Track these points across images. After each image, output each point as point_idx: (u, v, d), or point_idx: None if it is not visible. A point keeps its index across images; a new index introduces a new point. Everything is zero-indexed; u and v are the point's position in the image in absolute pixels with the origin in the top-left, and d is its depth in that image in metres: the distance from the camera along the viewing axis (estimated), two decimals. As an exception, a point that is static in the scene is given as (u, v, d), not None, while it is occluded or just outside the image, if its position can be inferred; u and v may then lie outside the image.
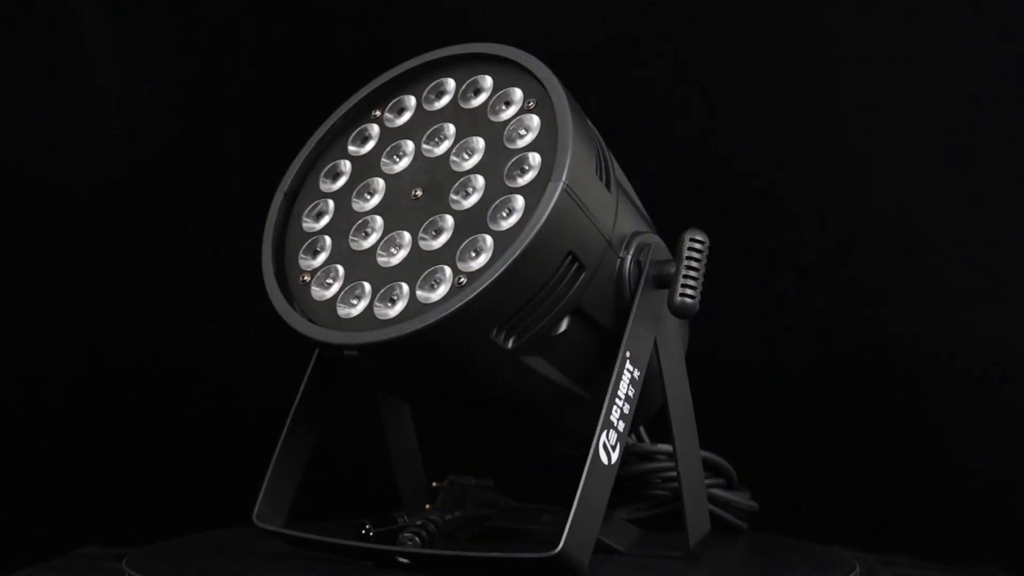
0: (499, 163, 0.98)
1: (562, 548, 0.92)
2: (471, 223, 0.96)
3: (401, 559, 0.97)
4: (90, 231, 1.48)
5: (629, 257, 1.00)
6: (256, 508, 1.03)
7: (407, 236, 0.98)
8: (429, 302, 0.95)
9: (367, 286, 0.98)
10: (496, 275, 0.92)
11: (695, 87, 1.47)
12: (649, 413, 1.10)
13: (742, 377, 1.46)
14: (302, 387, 1.05)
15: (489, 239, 0.95)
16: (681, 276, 0.99)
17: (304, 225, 1.03)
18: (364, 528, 1.04)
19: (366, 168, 1.03)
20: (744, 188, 1.46)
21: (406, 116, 1.04)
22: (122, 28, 1.48)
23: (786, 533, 1.21)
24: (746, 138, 1.47)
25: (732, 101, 1.47)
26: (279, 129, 1.49)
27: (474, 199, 0.98)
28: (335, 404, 1.07)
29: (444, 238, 0.97)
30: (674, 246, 1.00)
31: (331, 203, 1.03)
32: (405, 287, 0.96)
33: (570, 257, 0.95)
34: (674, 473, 1.08)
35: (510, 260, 0.92)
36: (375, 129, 1.05)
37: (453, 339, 0.94)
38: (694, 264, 0.99)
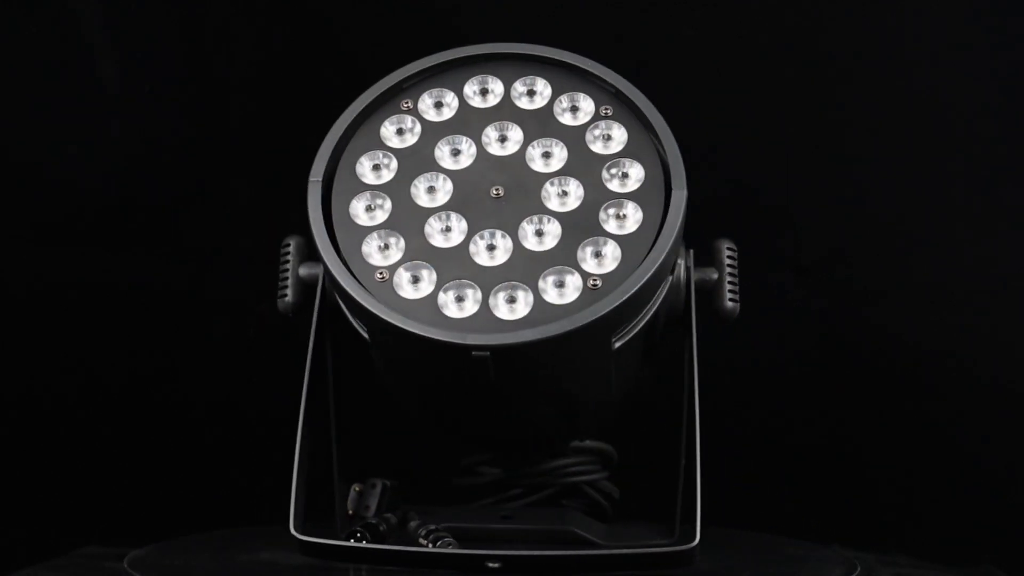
0: (591, 167, 0.99)
1: (700, 539, 0.95)
2: (579, 226, 0.97)
3: (491, 564, 0.95)
4: (90, 231, 1.48)
5: (681, 264, 1.04)
6: (291, 520, 0.99)
7: (503, 235, 0.98)
8: (561, 304, 0.95)
9: (472, 286, 0.97)
10: (644, 279, 0.94)
11: (695, 87, 1.47)
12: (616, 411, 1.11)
13: (742, 377, 1.46)
14: (305, 389, 1.04)
15: (611, 243, 0.97)
16: (726, 282, 1.06)
17: (357, 220, 1.00)
18: (356, 535, 1.00)
19: (419, 162, 1.01)
20: (744, 188, 1.46)
21: (449, 112, 1.03)
22: (122, 28, 1.48)
23: (786, 533, 1.21)
24: (746, 138, 1.47)
25: (732, 101, 1.47)
26: (279, 129, 1.49)
27: (574, 202, 0.99)
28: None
29: (552, 240, 0.97)
30: (712, 255, 1.06)
31: (385, 198, 1.01)
32: (526, 288, 0.96)
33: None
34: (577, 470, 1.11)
35: (656, 265, 0.95)
36: (412, 121, 1.04)
37: (590, 342, 0.96)
38: (733, 271, 1.06)
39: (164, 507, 1.46)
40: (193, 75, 1.49)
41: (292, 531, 0.97)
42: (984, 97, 1.44)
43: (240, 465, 1.45)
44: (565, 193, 0.99)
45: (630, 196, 0.98)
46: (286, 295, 1.04)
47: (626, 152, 1.00)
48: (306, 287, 1.05)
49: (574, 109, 1.02)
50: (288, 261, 1.06)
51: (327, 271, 0.97)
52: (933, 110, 1.45)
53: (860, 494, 1.46)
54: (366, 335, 0.99)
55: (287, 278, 1.05)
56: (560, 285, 0.95)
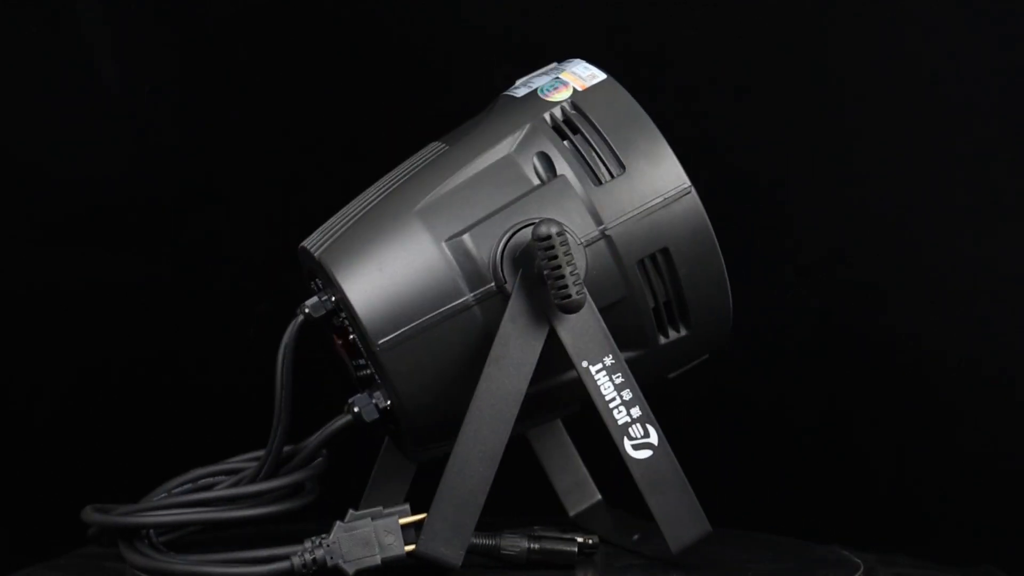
0: None
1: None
2: None
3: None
4: (90, 231, 1.48)
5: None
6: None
7: None
8: None
9: None
10: None
11: (695, 87, 1.47)
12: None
13: (742, 377, 1.46)
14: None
15: None
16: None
17: None
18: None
19: None
20: (744, 188, 1.46)
21: None
22: (122, 28, 1.48)
23: (786, 533, 1.21)
24: (746, 138, 1.47)
25: (732, 101, 1.47)
26: (280, 129, 1.49)
27: None
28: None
29: None
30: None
31: None
32: None
33: None
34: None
35: None
36: None
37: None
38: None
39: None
40: (193, 75, 1.49)
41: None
42: (984, 97, 1.44)
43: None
44: None
45: None
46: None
47: None
48: None
49: None
50: None
51: None
52: (933, 110, 1.45)
53: (860, 494, 1.46)
54: None
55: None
56: None
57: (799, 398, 1.47)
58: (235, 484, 1.08)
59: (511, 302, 1.00)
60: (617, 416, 1.00)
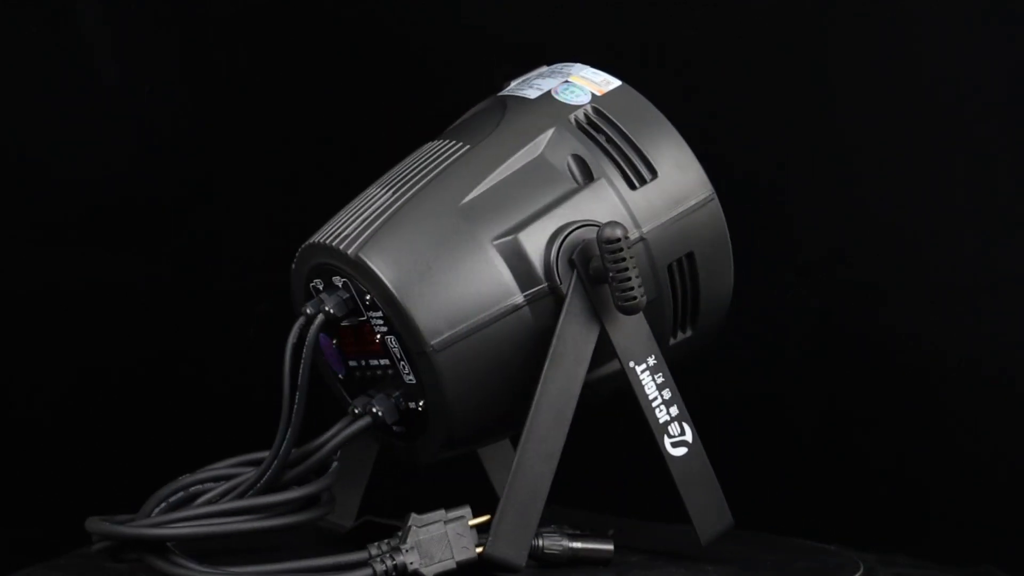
0: None
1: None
2: None
3: None
4: (90, 231, 1.48)
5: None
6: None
7: None
8: None
9: None
10: None
11: (695, 87, 1.47)
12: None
13: (742, 377, 1.46)
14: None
15: None
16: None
17: None
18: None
19: None
20: (744, 188, 1.46)
21: None
22: (122, 28, 1.48)
23: (786, 533, 1.21)
24: (746, 138, 1.47)
25: (732, 101, 1.47)
26: (280, 128, 1.49)
27: None
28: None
29: None
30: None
31: None
32: None
33: None
34: None
35: None
36: None
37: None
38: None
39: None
40: (193, 75, 1.49)
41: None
42: (984, 97, 1.44)
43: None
44: None
45: None
46: None
47: None
48: None
49: None
50: None
51: None
52: (933, 110, 1.45)
53: (860, 494, 1.46)
54: None
55: None
56: None
57: (799, 398, 1.47)
58: (262, 492, 1.05)
59: (568, 302, 1.01)
60: (659, 415, 1.03)
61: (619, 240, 0.99)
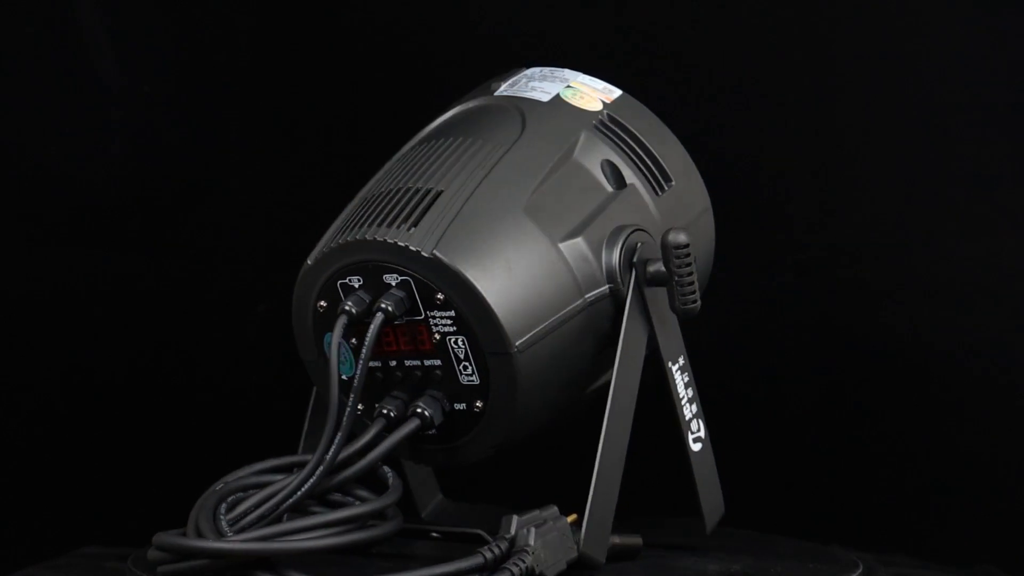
0: None
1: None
2: None
3: None
4: (90, 231, 1.48)
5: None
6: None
7: None
8: None
9: None
10: None
11: (695, 87, 1.47)
12: None
13: (742, 377, 1.46)
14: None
15: None
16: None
17: None
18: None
19: None
20: (744, 188, 1.46)
21: None
22: (121, 27, 1.48)
23: (786, 533, 1.21)
24: (746, 138, 1.47)
25: (732, 101, 1.47)
26: (280, 128, 1.49)
27: None
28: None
29: None
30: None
31: None
32: None
33: None
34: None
35: None
36: None
37: None
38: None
39: (164, 507, 1.46)
40: (193, 74, 1.49)
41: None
42: (984, 97, 1.44)
43: (241, 465, 1.45)
44: None
45: None
46: None
47: None
48: None
49: None
50: None
51: None
52: (933, 110, 1.45)
53: (860, 493, 1.46)
54: None
55: None
56: None
57: (798, 397, 1.47)
58: (351, 504, 1.01)
59: (630, 304, 1.03)
60: (686, 412, 1.06)
61: (687, 245, 1.01)
